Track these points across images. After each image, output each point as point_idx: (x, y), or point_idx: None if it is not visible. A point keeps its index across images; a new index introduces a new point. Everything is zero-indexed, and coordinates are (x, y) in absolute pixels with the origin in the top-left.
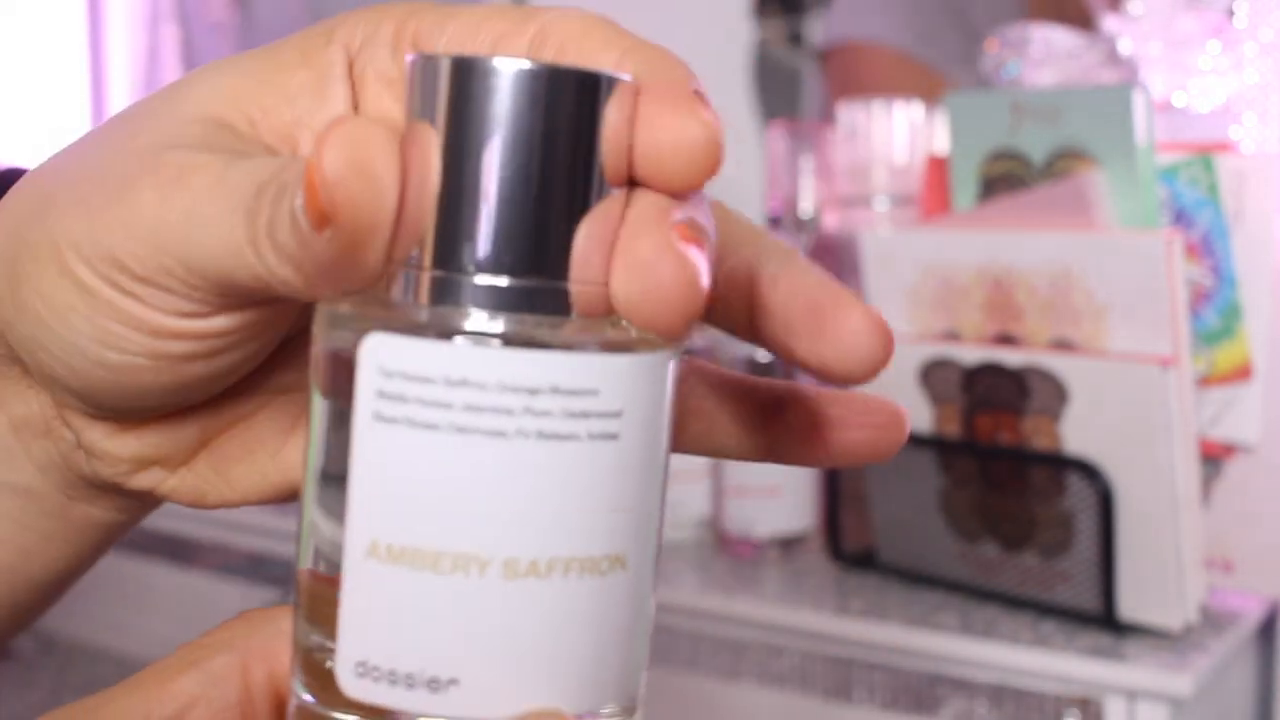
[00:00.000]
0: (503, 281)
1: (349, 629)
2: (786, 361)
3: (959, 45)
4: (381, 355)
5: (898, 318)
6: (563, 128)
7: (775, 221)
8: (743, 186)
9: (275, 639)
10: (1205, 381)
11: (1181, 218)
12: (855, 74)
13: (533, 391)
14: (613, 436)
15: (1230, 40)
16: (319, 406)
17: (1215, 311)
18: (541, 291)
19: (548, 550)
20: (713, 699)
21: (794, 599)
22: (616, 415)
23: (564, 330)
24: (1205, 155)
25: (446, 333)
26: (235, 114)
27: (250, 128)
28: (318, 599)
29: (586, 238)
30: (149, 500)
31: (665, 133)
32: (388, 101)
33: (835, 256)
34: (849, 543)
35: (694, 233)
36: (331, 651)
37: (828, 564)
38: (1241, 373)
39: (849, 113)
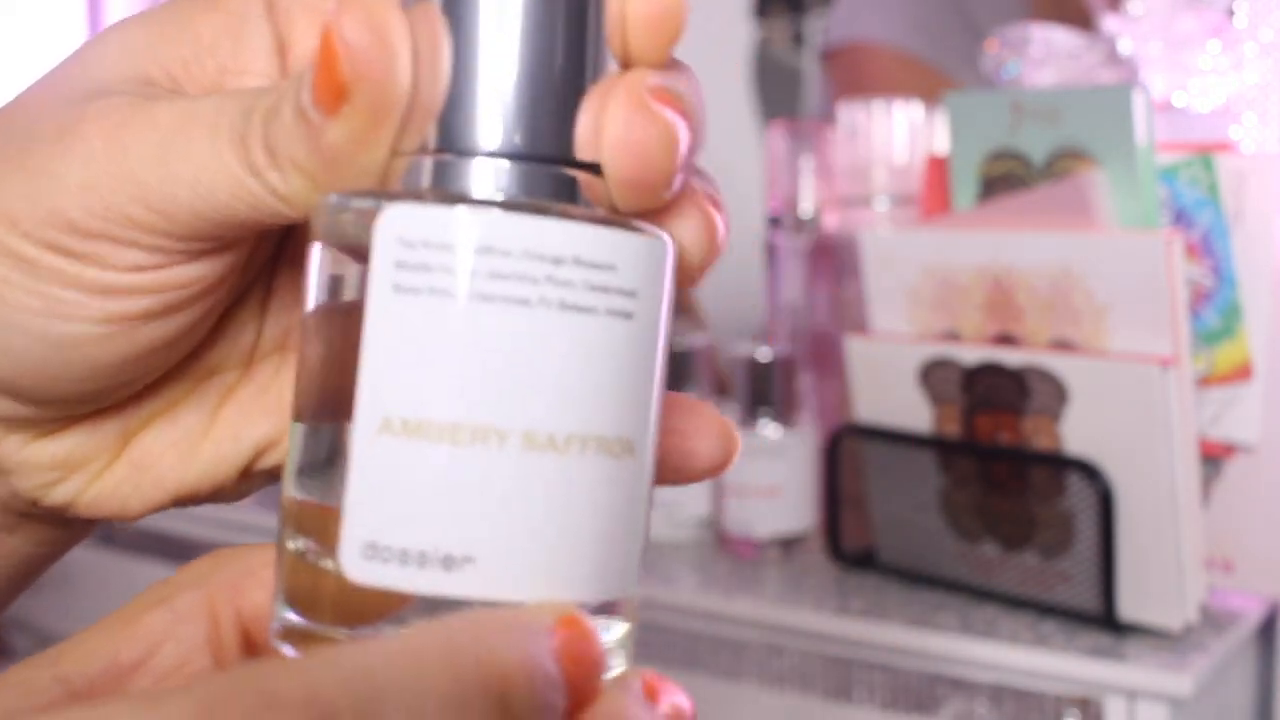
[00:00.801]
0: (514, 162)
1: (356, 511)
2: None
3: (964, 46)
4: (401, 225)
5: (898, 318)
6: (571, 7)
7: (775, 221)
8: (743, 186)
9: (242, 576)
10: (1205, 381)
11: (1181, 218)
12: (860, 75)
13: (556, 260)
14: (628, 315)
15: (1230, 40)
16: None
17: (1215, 311)
18: (553, 173)
19: (566, 425)
20: (713, 699)
21: (794, 599)
22: (631, 294)
23: (577, 209)
24: (1205, 155)
25: (468, 203)
26: (156, 69)
27: (172, 84)
28: (308, 512)
29: (586, 116)
30: (69, 524)
31: (632, 3)
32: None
33: (835, 256)
34: (849, 543)
35: (669, 95)
36: (322, 552)
37: (828, 564)
38: (1241, 373)
39: (849, 113)
